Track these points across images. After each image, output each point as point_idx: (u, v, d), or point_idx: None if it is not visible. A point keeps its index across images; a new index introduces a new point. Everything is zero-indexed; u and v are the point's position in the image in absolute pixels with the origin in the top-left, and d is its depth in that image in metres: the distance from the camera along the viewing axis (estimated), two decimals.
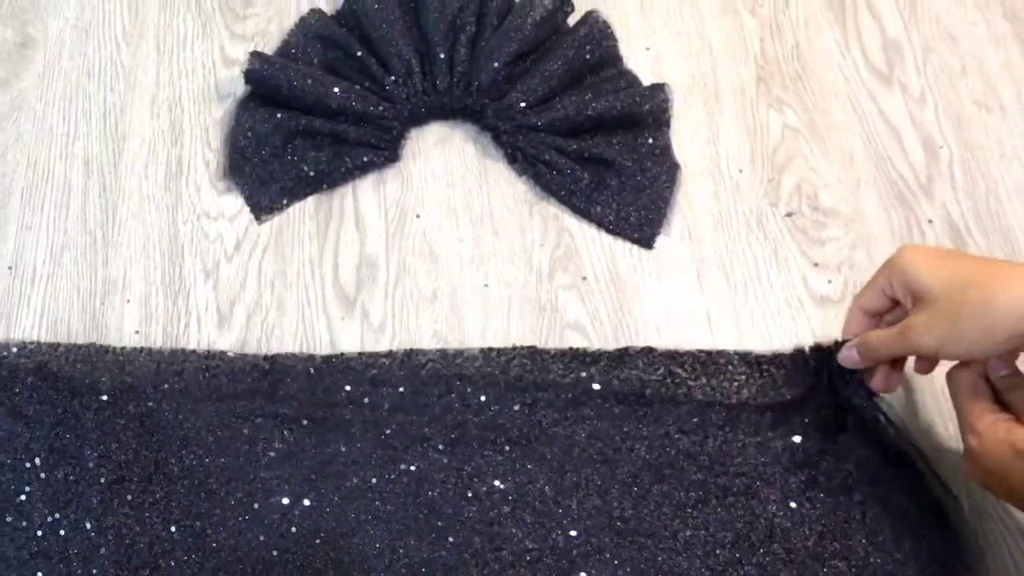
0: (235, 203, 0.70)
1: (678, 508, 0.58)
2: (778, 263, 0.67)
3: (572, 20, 0.75)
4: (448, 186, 0.70)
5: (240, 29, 0.77)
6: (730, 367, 0.62)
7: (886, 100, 0.73)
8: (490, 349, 0.63)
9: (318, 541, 0.57)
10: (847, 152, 0.71)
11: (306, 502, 0.58)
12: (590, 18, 0.73)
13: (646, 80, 0.74)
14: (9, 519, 0.58)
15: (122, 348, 0.63)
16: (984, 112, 0.72)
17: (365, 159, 0.70)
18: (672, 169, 0.70)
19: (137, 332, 0.65)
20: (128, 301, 0.67)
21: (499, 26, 0.72)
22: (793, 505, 0.58)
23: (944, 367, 0.55)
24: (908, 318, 0.52)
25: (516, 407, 0.61)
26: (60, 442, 0.60)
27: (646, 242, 0.68)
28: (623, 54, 0.75)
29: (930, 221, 0.68)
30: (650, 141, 0.71)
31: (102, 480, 0.59)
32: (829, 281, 0.66)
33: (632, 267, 0.67)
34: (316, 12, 0.76)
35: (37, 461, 0.59)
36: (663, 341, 0.64)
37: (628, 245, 0.68)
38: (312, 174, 0.70)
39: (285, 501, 0.59)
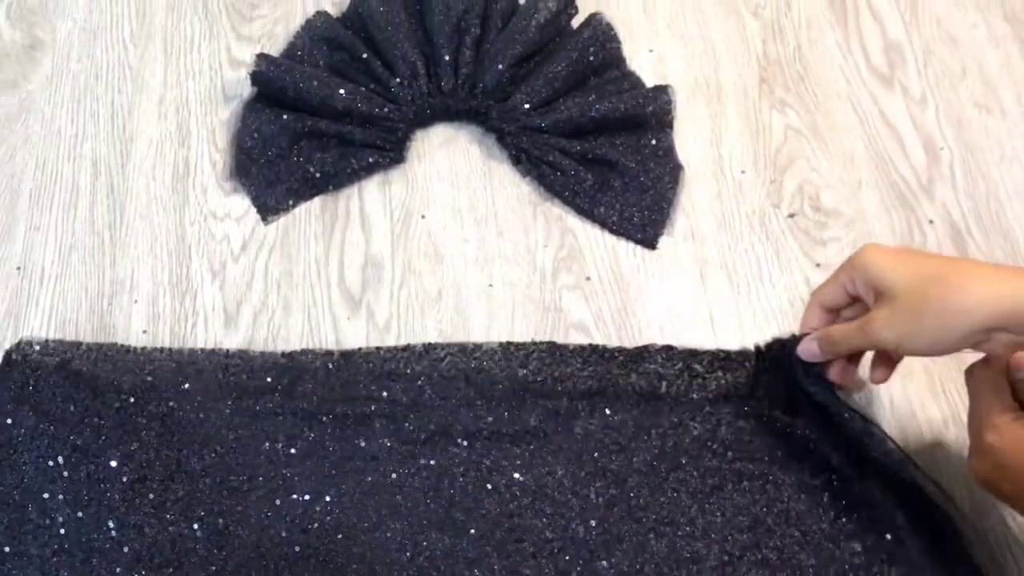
0: (242, 204, 0.71)
1: (695, 495, 0.59)
2: (780, 263, 0.68)
3: (576, 22, 0.75)
4: (453, 187, 0.71)
5: (246, 31, 0.78)
6: (747, 364, 0.62)
7: (887, 101, 0.73)
8: (509, 343, 0.63)
9: (340, 536, 0.58)
10: (848, 153, 0.71)
11: (327, 498, 0.59)
12: (594, 20, 0.74)
13: (649, 82, 0.74)
14: (32, 517, 0.58)
15: (142, 348, 0.64)
16: (984, 114, 0.73)
17: (371, 160, 0.70)
18: (675, 170, 0.71)
19: (145, 332, 0.66)
20: (136, 301, 0.67)
21: (503, 28, 0.73)
22: (808, 488, 0.58)
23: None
24: (870, 313, 0.52)
25: (533, 400, 0.61)
26: (82, 440, 0.60)
27: (649, 242, 0.68)
28: (627, 56, 0.75)
29: (931, 221, 0.69)
30: (653, 142, 0.71)
31: (124, 479, 0.59)
32: None
33: (635, 267, 0.68)
34: (322, 14, 0.76)
35: (60, 459, 0.60)
36: (666, 341, 0.64)
37: (631, 245, 0.68)
38: (318, 175, 0.70)
39: (306, 497, 0.59)
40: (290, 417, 0.61)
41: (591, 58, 0.72)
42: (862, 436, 0.56)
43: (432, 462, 0.60)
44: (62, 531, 0.58)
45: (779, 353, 0.59)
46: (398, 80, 0.71)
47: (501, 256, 0.68)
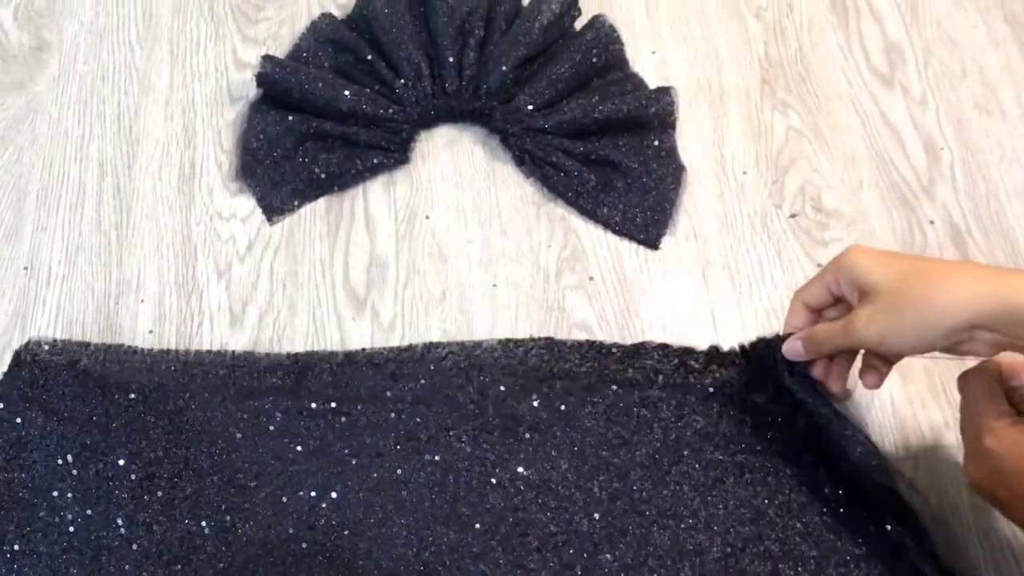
0: (247, 204, 0.71)
1: (697, 488, 0.59)
2: (782, 264, 0.68)
3: (579, 24, 0.76)
4: (457, 188, 0.71)
5: (252, 33, 0.78)
6: (737, 361, 0.62)
7: (888, 103, 0.74)
8: (508, 340, 0.64)
9: (346, 532, 0.58)
10: (850, 154, 0.72)
11: (333, 495, 0.59)
12: (597, 22, 0.74)
13: (652, 83, 0.75)
14: (42, 515, 0.59)
15: (150, 349, 0.64)
16: (984, 115, 0.73)
17: (375, 161, 0.71)
18: (677, 171, 0.71)
19: (151, 332, 0.66)
20: (142, 301, 0.67)
21: (507, 30, 0.73)
22: (809, 481, 0.59)
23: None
24: (853, 312, 0.53)
25: (535, 395, 0.62)
26: (91, 439, 0.61)
27: (652, 243, 0.69)
28: (629, 58, 0.76)
29: (931, 222, 0.69)
30: (656, 143, 0.72)
31: (133, 477, 0.60)
32: None
33: (638, 267, 0.68)
34: (327, 16, 0.77)
35: (69, 458, 0.60)
36: (668, 340, 0.64)
37: (634, 246, 0.69)
38: (323, 176, 0.71)
39: (313, 494, 0.59)
40: (296, 416, 0.62)
41: (594, 60, 0.73)
42: (839, 436, 0.57)
43: (437, 458, 0.60)
44: (71, 529, 0.58)
45: (763, 352, 0.59)
46: (402, 81, 0.71)
47: (505, 256, 0.69)
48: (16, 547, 0.58)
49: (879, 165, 0.71)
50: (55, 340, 0.64)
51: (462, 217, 0.70)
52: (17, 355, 0.63)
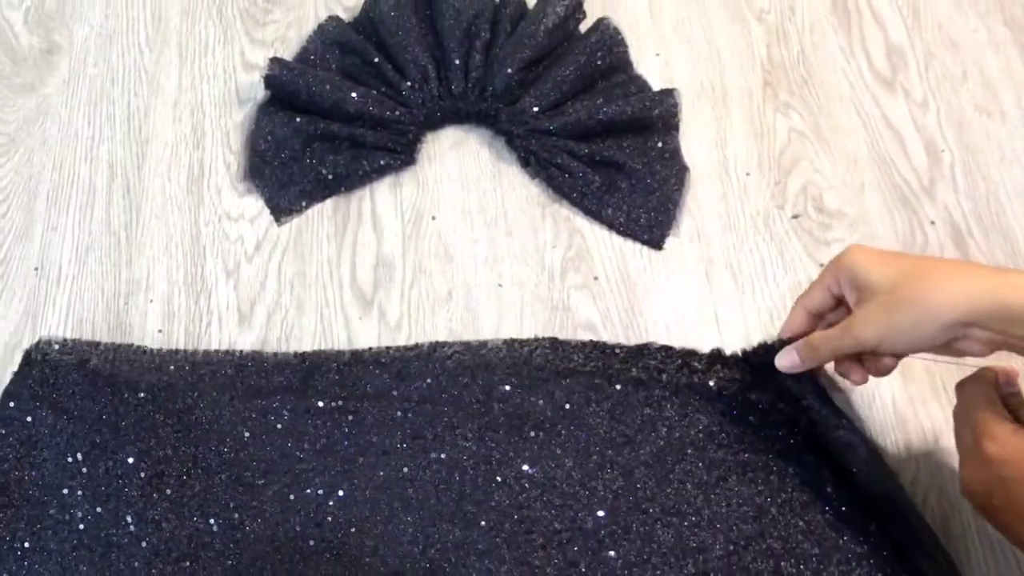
0: (255, 205, 0.71)
1: (700, 486, 0.59)
2: (784, 264, 0.68)
3: (584, 27, 0.76)
4: (463, 188, 0.72)
5: (260, 35, 0.79)
6: (740, 364, 0.63)
7: (889, 104, 0.74)
8: (513, 340, 0.64)
9: (353, 530, 0.59)
10: (851, 155, 0.72)
11: (340, 492, 0.60)
12: (601, 25, 0.75)
13: (656, 85, 0.75)
14: (52, 512, 0.59)
15: (159, 349, 0.65)
16: (985, 116, 0.73)
17: (382, 162, 0.71)
18: (681, 172, 0.71)
19: (160, 331, 0.67)
20: (151, 301, 0.68)
21: (513, 33, 0.73)
22: (811, 479, 0.59)
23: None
24: (852, 314, 0.53)
25: (540, 394, 0.62)
26: (101, 437, 0.61)
27: (656, 243, 0.69)
28: (633, 60, 0.76)
29: (932, 222, 0.69)
30: (660, 145, 0.72)
31: (142, 474, 0.60)
32: None
33: (642, 267, 0.69)
34: (334, 19, 0.77)
35: (79, 456, 0.60)
36: (672, 339, 0.65)
37: (638, 246, 0.69)
38: (330, 177, 0.71)
39: (320, 492, 0.60)
40: (303, 414, 0.62)
41: (598, 62, 0.73)
42: (841, 437, 0.57)
43: (443, 456, 0.61)
44: (81, 526, 0.59)
45: (765, 358, 0.59)
46: (409, 83, 0.72)
47: (510, 256, 0.69)
48: (26, 544, 0.58)
49: (881, 166, 0.72)
50: (65, 339, 0.65)
51: (468, 217, 0.71)
52: (27, 354, 0.64)
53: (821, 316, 0.58)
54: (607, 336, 0.66)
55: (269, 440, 0.61)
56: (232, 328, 0.67)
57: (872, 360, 0.55)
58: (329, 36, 0.76)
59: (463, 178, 0.72)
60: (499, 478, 0.60)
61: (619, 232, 0.70)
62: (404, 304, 0.67)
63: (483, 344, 0.64)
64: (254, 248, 0.70)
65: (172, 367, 0.64)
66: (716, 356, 0.63)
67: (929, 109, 0.74)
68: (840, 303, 0.56)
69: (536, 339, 0.64)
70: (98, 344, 0.65)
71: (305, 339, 0.66)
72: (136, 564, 0.58)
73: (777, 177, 0.72)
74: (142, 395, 0.62)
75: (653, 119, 0.72)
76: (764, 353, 0.60)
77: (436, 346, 0.64)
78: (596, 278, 0.68)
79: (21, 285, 0.69)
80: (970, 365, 0.54)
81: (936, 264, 0.51)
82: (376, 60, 0.73)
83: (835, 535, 0.57)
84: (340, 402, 0.63)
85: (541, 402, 0.62)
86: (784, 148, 0.73)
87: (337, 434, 0.62)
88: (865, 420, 0.62)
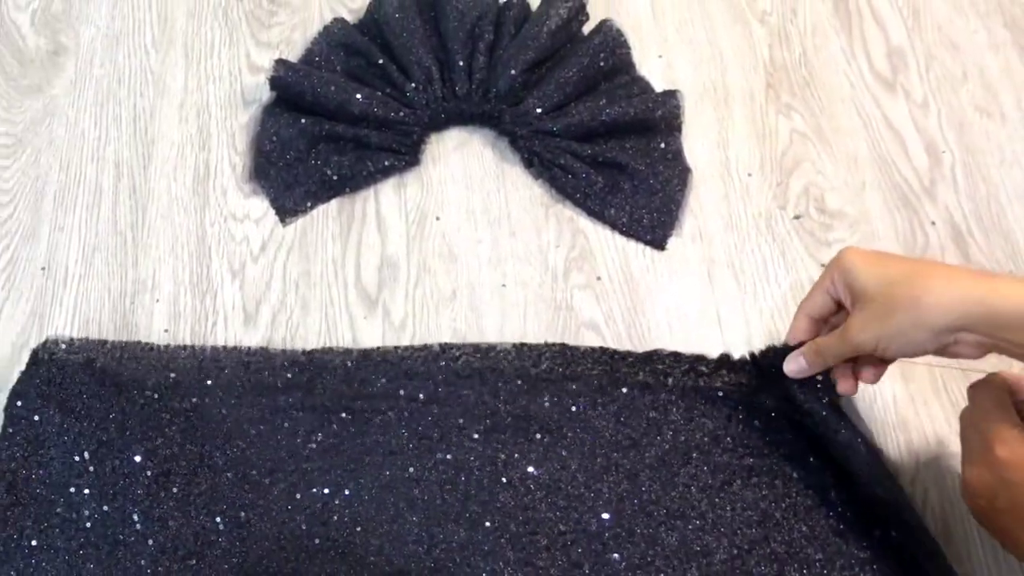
0: (261, 205, 0.72)
1: (705, 489, 0.59)
2: (786, 264, 0.69)
3: (587, 29, 0.76)
4: (467, 189, 0.72)
5: (265, 37, 0.79)
6: (748, 368, 0.63)
7: (890, 106, 0.74)
8: (522, 344, 0.64)
9: (358, 529, 0.59)
10: (853, 156, 0.72)
11: (346, 491, 0.60)
12: (604, 27, 0.75)
13: (658, 87, 0.75)
14: (59, 511, 0.59)
15: (165, 346, 0.65)
16: (985, 118, 0.74)
17: (386, 163, 0.71)
18: (683, 173, 0.72)
19: (166, 331, 0.67)
20: (157, 301, 0.68)
21: (516, 34, 0.74)
22: (816, 484, 0.59)
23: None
24: (848, 319, 0.54)
25: (546, 397, 0.63)
26: (108, 436, 0.61)
27: (658, 243, 0.69)
28: (636, 61, 0.76)
29: (933, 223, 0.70)
30: (662, 145, 0.72)
31: (149, 473, 0.60)
32: None
33: (645, 267, 0.69)
34: (339, 21, 0.77)
35: (86, 455, 0.61)
36: (674, 339, 0.65)
37: (641, 246, 0.70)
38: (335, 178, 0.71)
39: (326, 491, 0.60)
40: (310, 413, 0.62)
41: (601, 63, 0.73)
42: (845, 443, 0.57)
43: (448, 456, 0.61)
44: (88, 524, 0.59)
45: (773, 361, 0.60)
46: (413, 85, 0.72)
47: (514, 256, 0.69)
48: (34, 542, 0.58)
49: (881, 167, 0.72)
50: (72, 339, 0.65)
51: (472, 218, 0.71)
52: (35, 354, 0.64)
53: (824, 320, 0.58)
54: (610, 335, 0.66)
55: (275, 439, 0.62)
56: (237, 328, 0.67)
57: (860, 369, 0.56)
58: (334, 38, 0.76)
59: (467, 179, 0.72)
60: (504, 479, 0.60)
61: (622, 232, 0.70)
62: (408, 304, 0.68)
63: (492, 347, 0.64)
64: (259, 248, 0.70)
65: (179, 365, 0.64)
66: (723, 361, 0.63)
67: (930, 110, 0.74)
68: (841, 306, 0.56)
69: (546, 344, 0.64)
70: (104, 343, 0.65)
71: (310, 338, 0.66)
72: (143, 562, 0.58)
73: (779, 178, 0.72)
74: (149, 393, 0.63)
75: (656, 120, 0.72)
76: (772, 356, 0.60)
77: (445, 348, 0.64)
78: (599, 278, 0.68)
79: (28, 285, 0.69)
80: (974, 370, 0.55)
81: (927, 269, 0.51)
82: (380, 62, 0.73)
83: (838, 540, 0.57)
84: (347, 401, 0.63)
85: (547, 404, 0.62)
86: (786, 149, 0.73)
87: (343, 433, 0.62)
88: (866, 420, 0.62)
